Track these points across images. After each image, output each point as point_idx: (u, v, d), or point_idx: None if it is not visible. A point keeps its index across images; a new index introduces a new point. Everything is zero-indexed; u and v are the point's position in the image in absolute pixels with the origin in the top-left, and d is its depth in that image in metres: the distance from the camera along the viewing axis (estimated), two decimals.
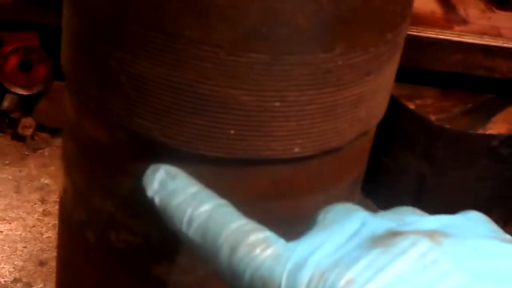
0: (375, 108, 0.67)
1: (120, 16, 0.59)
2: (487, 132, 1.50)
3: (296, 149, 0.63)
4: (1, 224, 1.97)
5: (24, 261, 1.83)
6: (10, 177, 2.00)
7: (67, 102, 0.71)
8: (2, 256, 1.86)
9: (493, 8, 1.56)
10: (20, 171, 1.98)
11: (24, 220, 1.89)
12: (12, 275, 1.78)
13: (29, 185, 1.99)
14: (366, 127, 0.67)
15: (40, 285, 1.80)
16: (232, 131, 0.61)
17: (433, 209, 1.36)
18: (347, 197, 0.68)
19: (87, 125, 0.67)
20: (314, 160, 0.64)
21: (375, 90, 0.65)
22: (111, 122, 0.64)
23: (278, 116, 0.61)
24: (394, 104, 1.53)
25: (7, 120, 1.59)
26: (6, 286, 1.74)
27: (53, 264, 1.80)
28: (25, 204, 1.93)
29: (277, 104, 0.60)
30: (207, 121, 0.60)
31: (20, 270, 1.77)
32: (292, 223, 0.60)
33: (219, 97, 0.59)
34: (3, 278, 1.75)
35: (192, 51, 0.57)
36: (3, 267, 1.79)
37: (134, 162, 0.64)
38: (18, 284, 1.74)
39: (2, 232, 1.97)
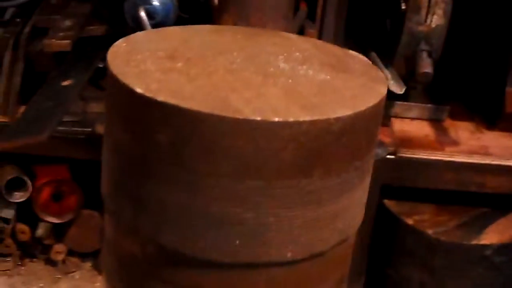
0: (351, 220, 0.90)
1: (149, 156, 0.83)
2: (481, 243, 1.71)
3: (289, 254, 0.85)
4: None
5: None
6: None
7: (106, 223, 0.94)
8: None
9: (482, 129, 1.79)
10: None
11: None
12: None
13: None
14: (345, 235, 0.90)
15: None
16: (237, 242, 0.84)
17: None
18: None
19: (123, 241, 0.90)
20: (303, 263, 0.87)
21: (349, 206, 0.88)
22: (142, 238, 0.87)
23: (273, 228, 0.84)
24: (395, 220, 1.75)
25: (40, 247, 1.81)
26: None
27: None
28: None
29: (272, 219, 0.84)
30: (217, 235, 0.83)
31: None
32: None
33: (226, 215, 0.83)
34: None
35: (204, 180, 0.81)
36: None
37: (161, 269, 0.87)
38: None
39: None
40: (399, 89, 1.61)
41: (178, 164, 0.81)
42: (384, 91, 0.89)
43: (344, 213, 0.87)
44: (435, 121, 1.77)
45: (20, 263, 1.79)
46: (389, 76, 1.60)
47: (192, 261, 0.82)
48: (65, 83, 1.57)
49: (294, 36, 1.05)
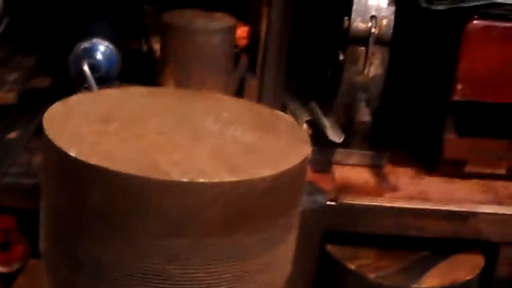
0: (277, 273, 0.95)
1: (82, 216, 0.88)
2: (421, 287, 1.78)
3: None
4: None
5: None
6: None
7: (44, 278, 0.99)
8: None
9: (422, 175, 1.86)
10: None
11: None
12: None
13: None
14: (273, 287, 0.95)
15: None
16: None
17: None
18: None
19: None
20: None
21: (275, 261, 0.93)
22: None
23: (202, 283, 0.89)
24: (337, 266, 1.81)
25: None
26: None
27: None
28: None
29: (200, 274, 0.89)
30: None
31: None
32: None
33: (156, 272, 0.88)
34: None
35: (134, 239, 0.87)
36: None
37: None
38: None
39: None
40: (337, 138, 1.67)
41: (109, 223, 0.87)
42: (308, 151, 0.95)
43: (270, 268, 0.92)
44: (375, 167, 1.83)
45: None
46: (328, 124, 1.67)
47: None
48: (11, 135, 1.62)
49: (226, 97, 1.11)
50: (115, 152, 0.88)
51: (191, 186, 0.84)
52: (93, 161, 0.85)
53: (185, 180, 0.84)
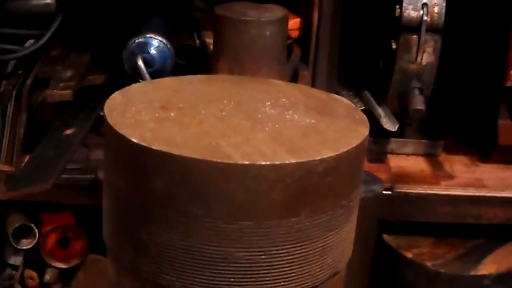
0: (340, 255, 0.96)
1: (146, 201, 0.90)
2: (479, 273, 1.77)
3: None
4: None
5: None
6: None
7: (108, 266, 1.01)
8: None
9: (477, 162, 1.86)
10: None
11: None
12: None
13: None
14: (335, 270, 0.96)
15: None
16: (231, 279, 0.90)
17: None
18: None
19: (125, 282, 0.97)
20: None
21: (337, 242, 0.94)
22: (143, 279, 0.94)
23: (265, 265, 0.91)
24: (394, 255, 1.82)
25: None
26: None
27: None
28: None
29: (263, 257, 0.90)
30: (213, 273, 0.90)
31: None
32: None
33: (220, 255, 0.90)
34: None
35: (198, 223, 0.88)
36: None
37: None
38: None
39: None
40: (392, 127, 1.67)
41: (173, 208, 0.88)
42: (366, 132, 0.96)
43: (332, 249, 0.93)
44: (430, 156, 1.83)
45: None
46: (382, 114, 1.67)
47: None
48: (68, 132, 1.65)
49: (281, 83, 1.13)
50: (177, 137, 0.89)
51: (253, 169, 0.85)
52: (155, 146, 0.87)
53: (246, 162, 0.86)
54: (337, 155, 0.90)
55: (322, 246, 0.92)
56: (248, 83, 1.11)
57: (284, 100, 1.03)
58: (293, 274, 0.92)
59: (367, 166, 1.67)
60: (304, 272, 0.92)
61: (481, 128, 1.80)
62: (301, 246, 0.91)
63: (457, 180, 1.75)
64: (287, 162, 0.87)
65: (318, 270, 0.93)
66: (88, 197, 1.68)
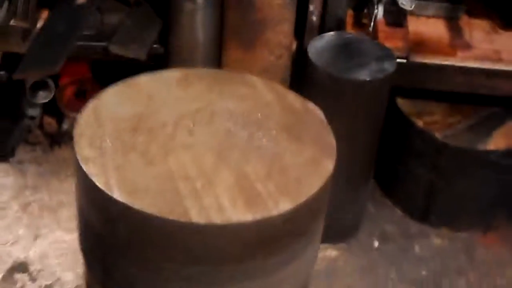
0: (298, 281, 1.03)
1: (110, 239, 0.96)
2: (488, 148, 1.81)
3: None
4: (65, 233, 2.32)
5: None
6: (73, 188, 2.39)
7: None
8: (66, 264, 2.21)
9: (498, 30, 1.82)
10: None
11: None
12: (75, 282, 2.15)
13: None
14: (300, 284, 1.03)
15: None
16: None
17: (442, 210, 1.74)
18: None
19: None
20: None
21: (295, 272, 1.01)
22: None
23: None
24: (405, 121, 1.85)
25: (67, 137, 1.98)
26: None
27: None
28: None
29: None
30: None
31: (81, 278, 2.14)
32: None
33: None
34: (67, 284, 2.12)
35: (160, 265, 0.95)
36: (67, 275, 2.16)
37: None
38: None
39: (66, 241, 2.31)
40: (408, 5, 1.65)
41: (135, 251, 0.95)
42: (330, 167, 0.98)
43: (290, 278, 1.00)
44: (451, 19, 1.81)
45: (48, 151, 1.97)
46: None
47: None
48: (80, 1, 1.66)
49: (259, 84, 1.13)
50: (140, 180, 0.93)
51: (210, 227, 0.90)
52: (117, 195, 0.92)
53: (203, 222, 0.90)
54: (295, 206, 0.94)
55: (279, 278, 0.99)
56: (225, 85, 1.11)
57: (257, 115, 1.05)
58: None
59: (384, 30, 1.67)
60: None
61: None
62: (257, 281, 0.98)
63: (474, 51, 1.75)
64: (244, 220, 0.92)
65: None
66: (102, 54, 1.72)
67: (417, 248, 2.21)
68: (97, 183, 0.93)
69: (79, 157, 0.96)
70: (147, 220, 0.91)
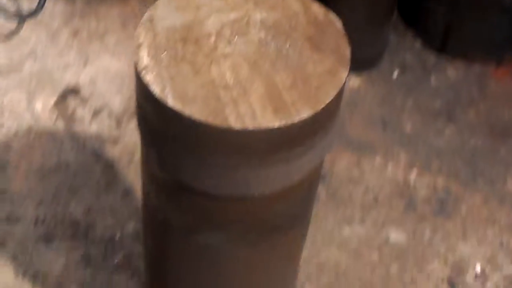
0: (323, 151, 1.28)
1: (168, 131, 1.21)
2: None
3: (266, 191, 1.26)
4: (113, 59, 2.53)
5: (132, 93, 2.32)
6: (119, 16, 2.55)
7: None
8: (114, 89, 2.45)
9: None
10: (124, 7, 2.54)
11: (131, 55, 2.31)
12: (122, 106, 2.42)
13: (133, 21, 2.57)
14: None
15: None
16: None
17: (458, 42, 2.01)
18: None
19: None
20: None
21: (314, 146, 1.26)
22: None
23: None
24: None
25: None
26: (118, 115, 2.36)
27: None
28: (131, 39, 2.39)
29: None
30: (222, 178, 1.24)
31: (128, 101, 2.40)
32: None
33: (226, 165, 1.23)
34: (115, 108, 2.39)
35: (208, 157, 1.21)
36: (115, 99, 2.41)
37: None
38: (127, 114, 2.37)
39: (114, 66, 2.52)
40: None
41: (184, 144, 1.20)
42: (344, 77, 1.21)
43: (309, 162, 1.26)
44: None
45: None
46: None
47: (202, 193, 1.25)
48: None
49: None
50: (189, 89, 1.17)
51: (244, 132, 1.16)
52: (171, 103, 1.16)
53: (239, 127, 1.15)
54: (314, 113, 1.18)
55: (300, 163, 1.25)
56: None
57: (286, 25, 1.26)
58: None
59: None
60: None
61: None
62: (283, 166, 1.24)
63: None
64: (271, 126, 1.17)
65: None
66: None
67: (433, 80, 2.45)
68: (154, 92, 1.17)
69: (138, 66, 1.19)
70: (194, 124, 1.16)
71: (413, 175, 2.25)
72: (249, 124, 1.14)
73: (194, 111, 1.14)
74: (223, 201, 1.26)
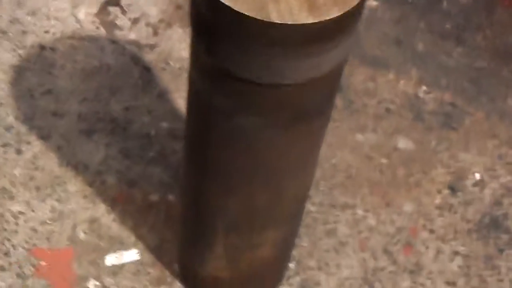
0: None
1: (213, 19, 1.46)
2: None
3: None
4: None
5: (167, 5, 2.50)
6: None
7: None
8: (151, 1, 2.60)
9: None
10: None
11: None
12: (159, 16, 2.63)
13: None
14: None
15: (177, 24, 2.54)
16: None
17: None
18: None
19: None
20: None
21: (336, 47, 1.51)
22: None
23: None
24: None
25: None
26: (154, 24, 2.59)
27: (186, 8, 2.56)
28: None
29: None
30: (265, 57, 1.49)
31: (164, 12, 2.62)
32: None
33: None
34: (152, 18, 2.61)
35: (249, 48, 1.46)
36: (152, 9, 2.59)
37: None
38: (162, 24, 2.54)
39: None
40: None
41: (230, 34, 1.45)
42: None
43: (337, 54, 1.50)
44: None
45: None
46: None
47: (243, 80, 1.49)
48: None
49: None
50: None
51: (283, 26, 1.40)
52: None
53: (279, 21, 1.40)
54: (342, 13, 1.43)
55: (329, 56, 1.49)
56: None
57: None
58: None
59: None
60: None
61: None
62: (315, 58, 1.48)
63: None
64: (307, 22, 1.41)
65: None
66: None
67: (445, 4, 2.68)
68: None
69: None
70: (242, 18, 1.40)
71: (422, 90, 2.49)
72: (288, 19, 1.38)
73: (242, 7, 1.39)
74: (260, 88, 1.50)
